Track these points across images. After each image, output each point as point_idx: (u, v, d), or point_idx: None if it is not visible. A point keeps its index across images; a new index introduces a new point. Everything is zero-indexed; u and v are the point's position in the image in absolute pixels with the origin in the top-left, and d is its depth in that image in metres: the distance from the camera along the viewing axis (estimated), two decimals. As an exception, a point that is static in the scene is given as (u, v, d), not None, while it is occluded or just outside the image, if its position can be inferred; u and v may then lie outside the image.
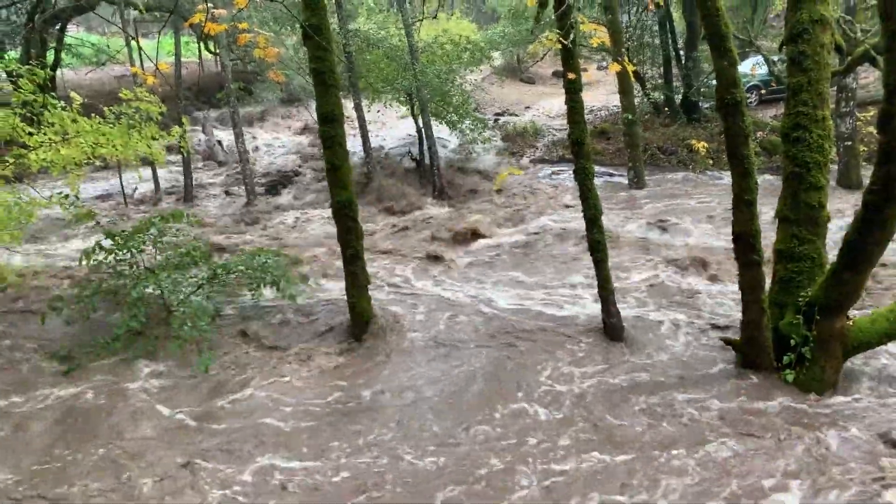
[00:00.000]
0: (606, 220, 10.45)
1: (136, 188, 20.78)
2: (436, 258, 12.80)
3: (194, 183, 20.91)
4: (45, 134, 9.73)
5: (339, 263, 9.87)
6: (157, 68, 7.69)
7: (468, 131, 20.66)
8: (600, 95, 28.07)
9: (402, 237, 14.92)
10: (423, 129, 19.84)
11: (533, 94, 31.51)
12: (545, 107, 28.28)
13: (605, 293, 8.65)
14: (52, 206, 10.06)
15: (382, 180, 19.48)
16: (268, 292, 9.89)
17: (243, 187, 20.03)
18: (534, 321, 9.46)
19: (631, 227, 14.03)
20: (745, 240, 7.27)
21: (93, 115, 10.19)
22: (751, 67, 21.82)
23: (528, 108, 28.41)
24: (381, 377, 8.10)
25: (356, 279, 8.98)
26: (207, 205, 19.65)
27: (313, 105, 9.44)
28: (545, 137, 23.53)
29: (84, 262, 9.00)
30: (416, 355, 8.62)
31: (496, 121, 25.30)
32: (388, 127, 25.56)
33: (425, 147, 19.96)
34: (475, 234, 14.24)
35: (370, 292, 9.30)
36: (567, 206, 16.20)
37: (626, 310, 9.47)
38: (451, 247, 13.74)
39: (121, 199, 20.16)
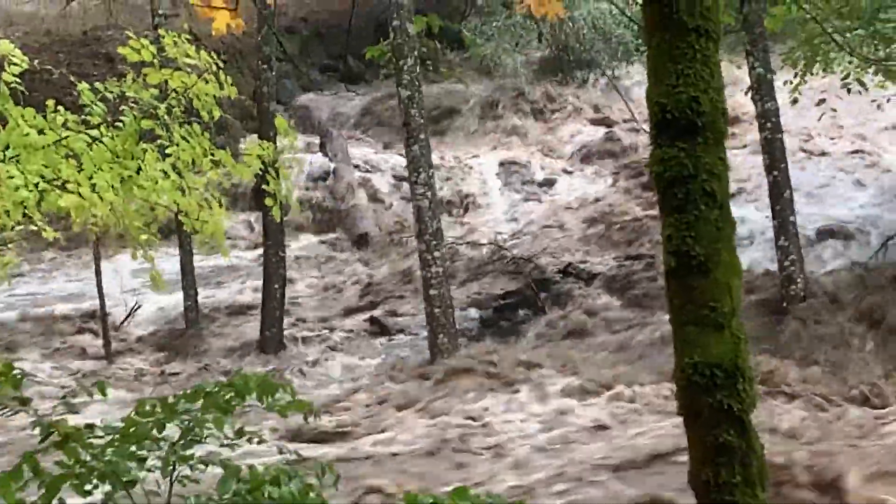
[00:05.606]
0: None
1: (137, 306, 9.34)
2: None
3: (289, 294, 8.79)
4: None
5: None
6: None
7: None
8: None
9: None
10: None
11: None
12: None
13: None
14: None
15: (823, 311, 7.40)
16: None
17: (422, 313, 8.15)
18: None
19: None
20: None
21: (46, 104, 3.49)
22: None
23: None
24: None
25: None
26: (309, 358, 8.51)
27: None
28: None
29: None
30: None
31: None
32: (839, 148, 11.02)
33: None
34: None
35: None
36: None
37: None
38: None
39: (93, 323, 8.67)
